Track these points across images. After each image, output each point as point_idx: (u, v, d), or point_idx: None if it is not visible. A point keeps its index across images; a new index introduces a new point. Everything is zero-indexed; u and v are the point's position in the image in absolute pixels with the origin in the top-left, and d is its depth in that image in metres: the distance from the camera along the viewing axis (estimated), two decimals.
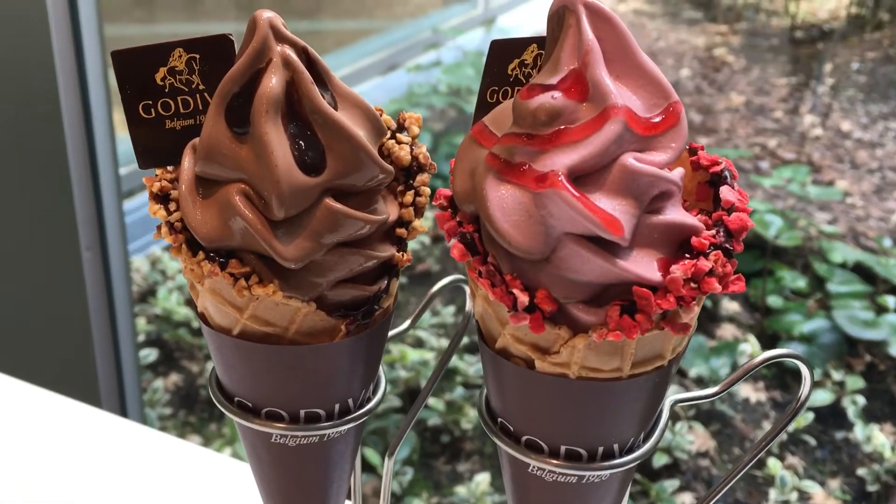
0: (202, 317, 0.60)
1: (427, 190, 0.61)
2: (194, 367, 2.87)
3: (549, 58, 0.54)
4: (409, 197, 0.60)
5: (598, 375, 0.54)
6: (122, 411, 1.82)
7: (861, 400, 2.71)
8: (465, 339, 2.95)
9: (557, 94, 0.51)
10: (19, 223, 1.68)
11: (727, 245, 0.52)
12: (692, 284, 0.50)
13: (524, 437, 0.58)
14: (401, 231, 0.60)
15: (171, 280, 3.17)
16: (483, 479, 2.40)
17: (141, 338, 2.94)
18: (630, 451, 0.58)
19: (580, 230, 0.50)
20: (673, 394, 0.64)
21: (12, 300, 1.75)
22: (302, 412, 0.61)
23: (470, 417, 2.68)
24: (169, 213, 0.56)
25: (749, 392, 2.84)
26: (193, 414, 2.72)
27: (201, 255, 0.55)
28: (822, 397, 2.74)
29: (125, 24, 4.07)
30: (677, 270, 0.50)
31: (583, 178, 0.51)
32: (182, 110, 0.57)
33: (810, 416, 2.65)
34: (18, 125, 1.62)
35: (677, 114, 0.52)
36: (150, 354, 2.82)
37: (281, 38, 0.54)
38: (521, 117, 0.52)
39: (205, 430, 2.66)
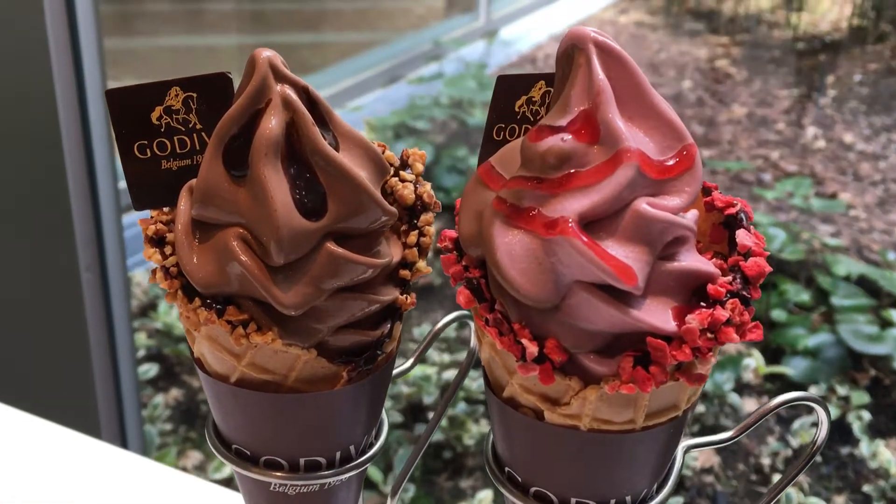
0: (198, 362, 0.58)
1: (431, 230, 0.59)
2: (195, 382, 2.85)
3: (559, 98, 0.52)
4: (412, 237, 0.58)
5: (610, 427, 0.52)
6: (121, 430, 1.80)
7: (866, 415, 2.68)
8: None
9: (567, 136, 0.49)
10: (17, 245, 1.67)
11: (744, 292, 0.50)
12: (709, 335, 0.48)
13: (532, 489, 0.56)
14: (404, 273, 0.58)
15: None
16: (486, 497, 2.38)
17: (141, 353, 2.92)
18: (643, 502, 0.56)
19: (591, 278, 0.48)
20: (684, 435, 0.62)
21: (10, 323, 1.73)
22: (302, 460, 0.59)
23: (472, 433, 2.66)
24: (164, 257, 0.55)
25: (752, 407, 2.81)
26: (194, 430, 2.70)
27: (197, 301, 0.53)
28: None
29: (126, 37, 4.07)
30: (693, 320, 0.48)
31: (594, 224, 0.49)
32: (178, 150, 0.55)
33: (814, 431, 2.63)
34: (16, 143, 1.60)
35: (692, 156, 0.50)
36: (150, 370, 2.80)
37: (281, 77, 0.52)
38: (530, 160, 0.50)
39: (205, 447, 2.64)
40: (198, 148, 0.56)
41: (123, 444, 1.88)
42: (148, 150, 0.55)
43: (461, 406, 2.76)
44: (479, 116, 4.05)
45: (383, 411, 0.63)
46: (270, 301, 0.52)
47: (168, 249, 0.55)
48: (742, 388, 2.91)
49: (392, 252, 0.57)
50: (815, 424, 0.60)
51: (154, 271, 0.55)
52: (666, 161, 0.50)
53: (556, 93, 0.53)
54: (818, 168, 4.11)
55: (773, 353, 3.03)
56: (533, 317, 0.50)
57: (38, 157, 1.59)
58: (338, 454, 0.59)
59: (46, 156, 1.57)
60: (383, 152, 0.61)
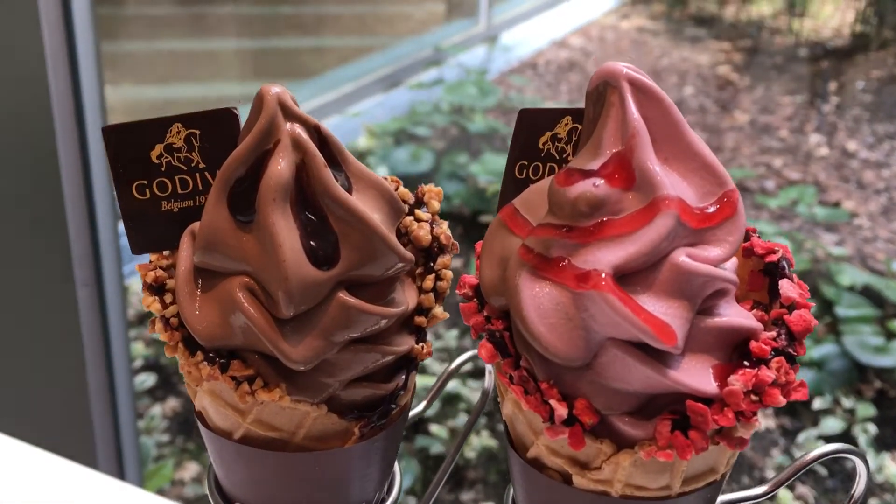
0: (199, 416, 0.54)
1: (449, 273, 0.55)
2: None
3: (589, 138, 0.48)
4: (429, 282, 0.55)
5: (645, 494, 0.48)
6: (117, 442, 1.76)
7: (872, 428, 2.65)
8: (469, 365, 2.89)
9: (599, 181, 0.46)
10: (12, 262, 1.63)
11: (790, 349, 0.46)
12: (753, 397, 0.45)
13: None
14: (420, 320, 0.54)
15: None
16: None
17: (138, 363, 2.88)
18: None
19: (626, 336, 0.44)
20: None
21: (3, 333, 1.69)
22: None
23: (474, 445, 2.62)
24: (164, 305, 0.51)
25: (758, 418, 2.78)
26: (192, 440, 2.66)
27: (200, 355, 0.49)
28: (833, 426, 2.68)
29: (124, 40, 4.03)
30: (737, 382, 0.44)
31: (629, 276, 0.45)
32: (180, 191, 0.52)
33: (821, 445, 2.60)
34: (9, 149, 1.56)
35: (734, 203, 0.46)
36: (146, 380, 2.75)
37: (291, 115, 0.48)
38: (559, 207, 0.46)
39: (202, 457, 2.60)
40: (200, 188, 0.52)
41: (119, 456, 1.84)
42: (147, 191, 0.51)
43: (462, 418, 2.73)
44: (479, 122, 4.02)
45: (396, 463, 0.59)
46: (278, 356, 0.48)
47: (168, 298, 0.51)
48: None
49: (407, 298, 0.53)
50: (852, 477, 0.56)
51: (153, 321, 0.51)
52: (706, 208, 0.46)
53: (586, 132, 0.49)
54: (821, 176, 4.08)
55: None
56: (562, 375, 0.47)
57: (32, 163, 1.55)
58: None
59: (40, 161, 1.53)
60: (397, 188, 0.57)
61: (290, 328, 0.48)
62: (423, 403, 0.65)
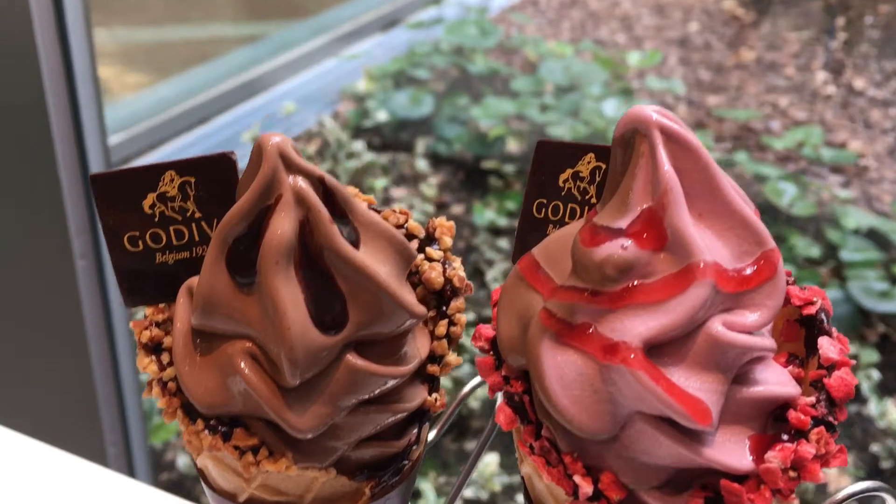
0: (201, 473, 0.51)
1: (463, 318, 0.52)
2: None
3: (616, 188, 0.44)
4: (441, 328, 0.51)
5: None
6: (123, 425, 1.75)
7: (876, 374, 2.65)
8: (472, 317, 2.88)
9: (628, 242, 0.42)
10: (7, 234, 1.59)
11: (830, 417, 0.43)
12: (791, 473, 0.42)
13: None
14: (433, 368, 0.51)
15: None
16: (492, 460, 2.35)
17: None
18: None
19: (656, 412, 0.42)
20: None
21: (3, 317, 1.67)
22: None
23: (477, 395, 2.62)
24: (161, 367, 0.48)
25: None
26: None
27: (200, 423, 0.46)
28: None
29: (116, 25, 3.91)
30: (775, 459, 0.41)
31: (660, 347, 0.42)
32: (175, 242, 0.48)
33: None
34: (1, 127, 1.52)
35: (773, 264, 0.43)
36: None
37: (293, 167, 0.45)
38: (584, 269, 0.43)
39: None
40: (197, 239, 0.48)
41: (124, 425, 1.83)
42: (140, 242, 0.48)
43: (465, 368, 2.72)
44: (480, 64, 3.94)
45: None
46: (283, 426, 0.45)
47: (165, 358, 0.48)
48: None
49: (419, 348, 0.50)
50: None
51: (150, 383, 0.48)
52: (743, 270, 0.43)
53: (612, 182, 0.45)
54: (828, 115, 4.01)
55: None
56: (586, 447, 0.44)
57: (23, 143, 1.51)
58: None
59: (28, 111, 1.48)
60: (406, 220, 0.54)
61: (294, 396, 0.45)
62: (434, 432, 0.63)
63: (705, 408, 0.41)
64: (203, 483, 0.52)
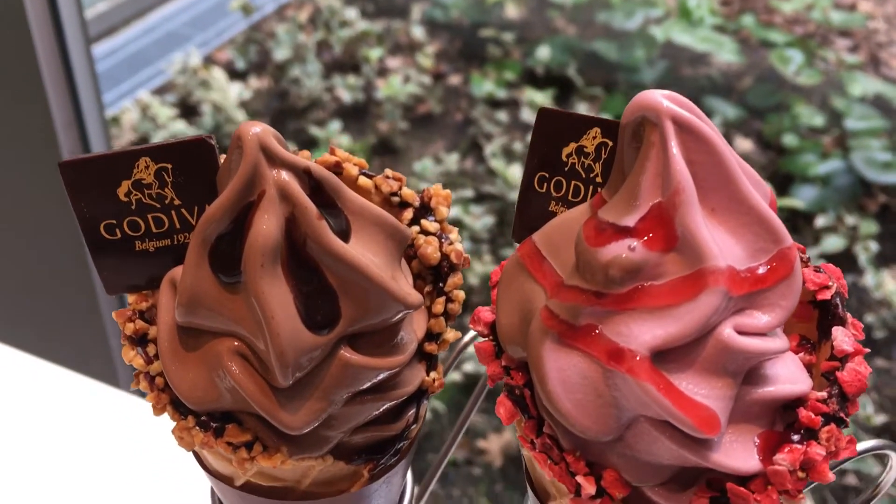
0: (197, 456, 0.50)
1: (461, 294, 0.50)
2: None
3: (624, 180, 0.41)
4: (438, 306, 0.49)
5: None
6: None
7: (874, 246, 2.65)
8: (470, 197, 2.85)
9: (636, 243, 0.40)
10: None
11: (842, 412, 0.42)
12: (800, 474, 0.41)
13: None
14: (430, 347, 0.49)
15: (164, 130, 3.01)
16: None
17: None
18: None
19: (660, 417, 0.40)
20: None
21: None
22: None
23: (475, 271, 2.62)
24: (148, 360, 0.46)
25: None
26: None
27: (192, 420, 0.45)
28: (835, 243, 2.68)
29: None
30: (783, 462, 0.40)
31: (667, 352, 0.40)
32: (155, 230, 0.45)
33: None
34: None
35: (790, 263, 0.40)
36: None
37: (276, 160, 0.41)
38: (589, 270, 0.40)
39: None
40: (178, 227, 0.46)
41: None
42: (117, 230, 0.45)
43: (466, 245, 2.71)
44: None
45: (406, 475, 0.56)
46: (275, 424, 0.44)
47: (152, 350, 0.46)
48: None
49: (416, 330, 0.48)
50: (884, 465, 0.53)
51: (137, 375, 0.46)
52: (757, 268, 0.40)
53: (619, 170, 0.42)
54: None
55: (783, 181, 2.96)
56: (589, 445, 0.43)
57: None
58: None
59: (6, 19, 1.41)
60: (400, 188, 0.51)
61: (286, 394, 0.43)
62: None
63: (714, 417, 0.39)
64: (199, 464, 0.51)
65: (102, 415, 0.99)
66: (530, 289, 0.44)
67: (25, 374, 1.05)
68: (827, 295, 0.45)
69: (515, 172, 2.76)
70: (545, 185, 0.48)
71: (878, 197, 2.94)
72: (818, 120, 3.13)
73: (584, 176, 0.47)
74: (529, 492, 0.50)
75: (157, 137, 2.93)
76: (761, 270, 0.40)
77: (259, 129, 0.41)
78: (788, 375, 0.42)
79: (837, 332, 0.44)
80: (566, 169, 0.47)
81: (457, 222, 2.73)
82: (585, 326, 0.40)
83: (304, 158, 0.43)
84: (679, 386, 0.39)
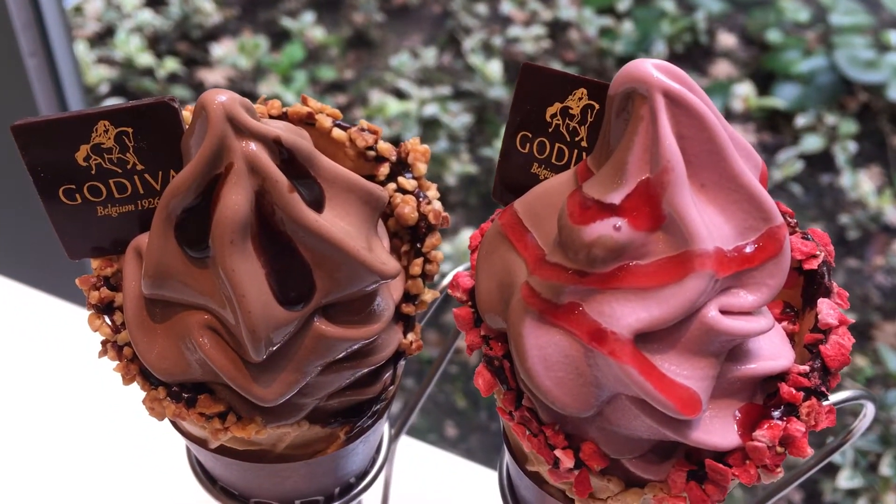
0: (172, 421, 0.49)
1: (439, 255, 0.48)
2: None
3: (610, 152, 0.40)
4: (416, 267, 0.48)
5: None
6: None
7: (852, 146, 2.64)
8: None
9: (621, 222, 0.38)
10: None
11: (823, 387, 0.42)
12: (779, 449, 0.40)
13: None
14: (408, 309, 0.48)
15: (130, 19, 2.91)
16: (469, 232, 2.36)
17: (104, 88, 2.75)
18: None
19: (640, 396, 0.39)
20: None
21: None
22: (297, 502, 0.52)
23: (452, 171, 2.60)
24: (115, 329, 0.44)
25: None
26: None
27: (162, 391, 0.44)
28: (813, 143, 2.66)
29: None
30: (763, 438, 0.40)
31: (650, 333, 0.39)
32: (117, 195, 0.43)
33: (800, 165, 2.60)
34: None
35: (779, 241, 0.39)
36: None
37: (243, 130, 0.39)
38: (572, 249, 0.39)
39: None
40: (142, 192, 0.43)
41: None
42: (77, 195, 0.43)
43: (442, 144, 2.68)
44: None
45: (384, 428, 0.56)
46: (249, 398, 0.43)
47: (119, 318, 0.44)
48: (728, 115, 2.82)
49: (393, 292, 0.47)
50: (856, 414, 0.54)
51: (104, 343, 0.45)
52: (745, 247, 0.39)
53: (605, 140, 0.40)
54: None
55: (765, 79, 2.93)
56: (568, 419, 0.42)
57: None
58: (337, 489, 0.53)
59: None
60: (376, 141, 0.49)
61: (259, 367, 0.42)
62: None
63: (695, 398, 0.39)
64: (173, 425, 0.50)
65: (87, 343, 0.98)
66: (511, 260, 0.42)
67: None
68: (814, 264, 0.44)
69: (495, 69, 2.70)
70: (528, 145, 0.46)
71: (859, 96, 2.91)
72: (803, 15, 3.07)
73: (568, 139, 0.45)
74: (507, 450, 0.50)
75: (123, 28, 2.82)
76: (749, 249, 0.39)
77: (225, 98, 0.38)
78: (771, 351, 0.42)
79: (823, 304, 0.43)
80: (550, 130, 0.45)
81: (434, 121, 2.69)
82: (567, 305, 0.39)
83: (273, 125, 0.40)
84: (661, 367, 0.38)
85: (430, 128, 2.75)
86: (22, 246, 1.66)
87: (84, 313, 0.98)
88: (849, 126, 2.79)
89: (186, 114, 0.43)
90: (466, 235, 2.36)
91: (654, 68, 0.37)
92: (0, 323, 1.00)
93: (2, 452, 0.85)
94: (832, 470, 1.89)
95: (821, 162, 2.75)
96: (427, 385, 0.58)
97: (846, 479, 1.85)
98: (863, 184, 2.65)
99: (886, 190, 2.50)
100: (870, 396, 0.53)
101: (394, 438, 0.60)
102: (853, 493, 1.87)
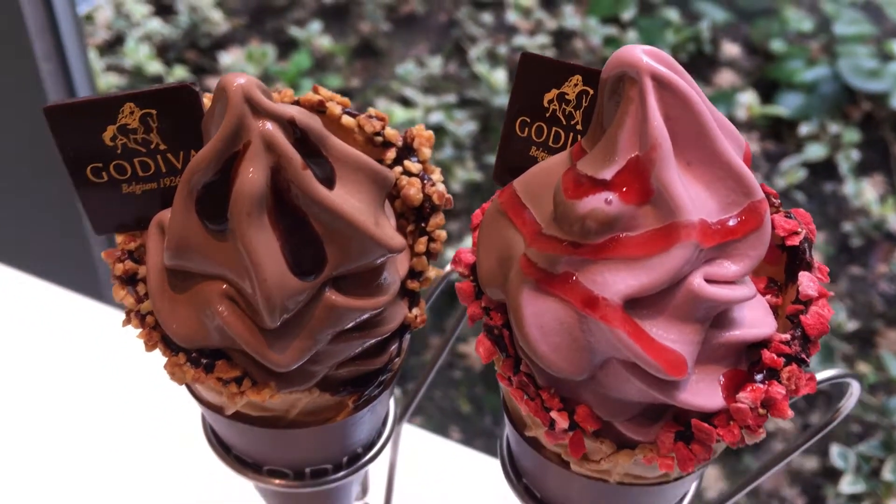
0: (188, 386, 0.52)
1: (443, 234, 0.51)
2: None
3: (603, 133, 0.42)
4: (421, 245, 0.51)
5: (643, 482, 0.48)
6: None
7: (855, 155, 2.66)
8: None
9: (612, 196, 0.41)
10: None
11: (804, 354, 0.44)
12: (761, 411, 0.43)
13: None
14: (413, 285, 0.51)
15: (139, 28, 2.96)
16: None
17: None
18: None
19: (631, 360, 0.42)
20: None
21: None
22: (308, 469, 0.55)
23: (458, 178, 2.63)
24: (138, 299, 0.47)
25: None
26: None
27: (182, 356, 0.47)
28: (817, 152, 2.69)
29: None
30: (746, 400, 0.43)
31: (640, 299, 0.42)
32: (141, 173, 0.46)
33: (803, 173, 2.62)
34: None
35: (760, 215, 0.42)
36: None
37: (260, 111, 0.42)
38: (567, 221, 0.42)
39: None
40: (164, 171, 0.46)
41: None
42: (104, 174, 0.46)
43: (448, 151, 2.71)
44: None
45: (390, 401, 0.59)
46: (264, 363, 0.45)
47: (142, 289, 0.47)
48: (732, 124, 2.83)
49: (399, 268, 0.50)
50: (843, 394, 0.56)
51: (128, 313, 0.48)
52: (728, 220, 0.42)
53: (598, 122, 0.43)
54: None
55: (768, 88, 2.95)
56: (563, 383, 0.45)
57: None
58: (345, 459, 0.56)
59: None
60: (383, 127, 0.52)
61: (274, 334, 0.45)
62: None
63: (681, 360, 0.41)
64: (190, 394, 0.53)
65: (92, 332, 1.01)
66: (510, 235, 0.45)
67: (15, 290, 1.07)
68: (796, 241, 0.46)
69: (500, 77, 2.73)
70: (526, 129, 0.49)
71: (862, 105, 2.93)
72: (807, 24, 3.10)
73: (564, 123, 0.48)
74: (507, 420, 0.52)
75: (132, 36, 2.87)
76: (732, 222, 0.42)
77: (244, 81, 0.41)
78: (754, 319, 0.44)
79: (803, 277, 0.45)
80: (547, 115, 0.48)
81: (440, 129, 2.72)
82: (562, 274, 0.42)
83: (288, 107, 0.43)
84: (649, 332, 0.41)
85: (435, 135, 2.78)
86: (24, 236, 1.69)
87: (93, 304, 1.02)
88: (852, 135, 2.82)
89: (205, 100, 0.46)
90: (471, 242, 2.38)
91: (643, 53, 0.40)
92: (9, 312, 1.03)
93: (13, 438, 0.88)
94: (835, 475, 1.90)
95: (824, 170, 2.77)
96: (434, 363, 0.61)
97: (849, 485, 1.86)
98: (866, 192, 2.66)
99: (889, 198, 2.52)
100: (854, 375, 0.56)
101: (399, 419, 0.62)
102: (856, 499, 1.88)
